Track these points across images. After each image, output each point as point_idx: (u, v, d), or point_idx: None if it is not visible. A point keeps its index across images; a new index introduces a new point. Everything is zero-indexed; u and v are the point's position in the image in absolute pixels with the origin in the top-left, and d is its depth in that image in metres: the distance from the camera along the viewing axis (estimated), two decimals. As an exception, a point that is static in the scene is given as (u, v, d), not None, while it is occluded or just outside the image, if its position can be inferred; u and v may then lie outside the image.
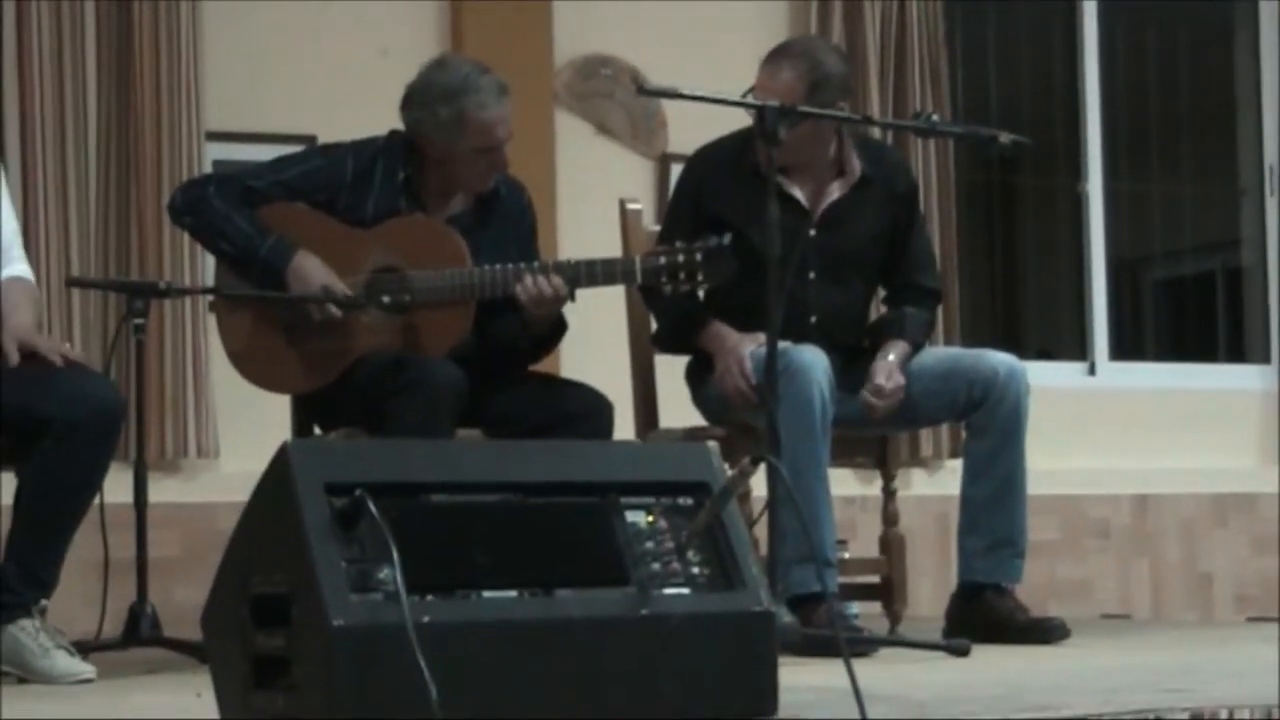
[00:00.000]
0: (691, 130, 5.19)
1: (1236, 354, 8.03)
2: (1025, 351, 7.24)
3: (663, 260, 4.42)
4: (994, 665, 4.14)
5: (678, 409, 5.02)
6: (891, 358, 4.76)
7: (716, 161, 4.86)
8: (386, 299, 4.53)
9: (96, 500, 4.11)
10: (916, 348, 4.85)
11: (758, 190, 4.22)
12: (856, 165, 4.87)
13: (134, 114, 5.89)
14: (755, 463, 3.05)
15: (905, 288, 4.98)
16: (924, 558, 6.41)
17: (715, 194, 4.80)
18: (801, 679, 3.36)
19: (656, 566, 2.94)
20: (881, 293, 5.15)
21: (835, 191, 4.86)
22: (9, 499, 4.08)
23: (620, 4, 6.62)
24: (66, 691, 3.88)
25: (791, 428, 4.35)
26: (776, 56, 4.76)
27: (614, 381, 4.82)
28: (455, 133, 4.58)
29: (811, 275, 4.82)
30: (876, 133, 5.98)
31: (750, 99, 4.38)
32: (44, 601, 4.09)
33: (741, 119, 4.58)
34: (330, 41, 6.25)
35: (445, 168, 4.65)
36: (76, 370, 4.10)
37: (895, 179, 4.98)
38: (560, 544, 2.92)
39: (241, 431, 5.74)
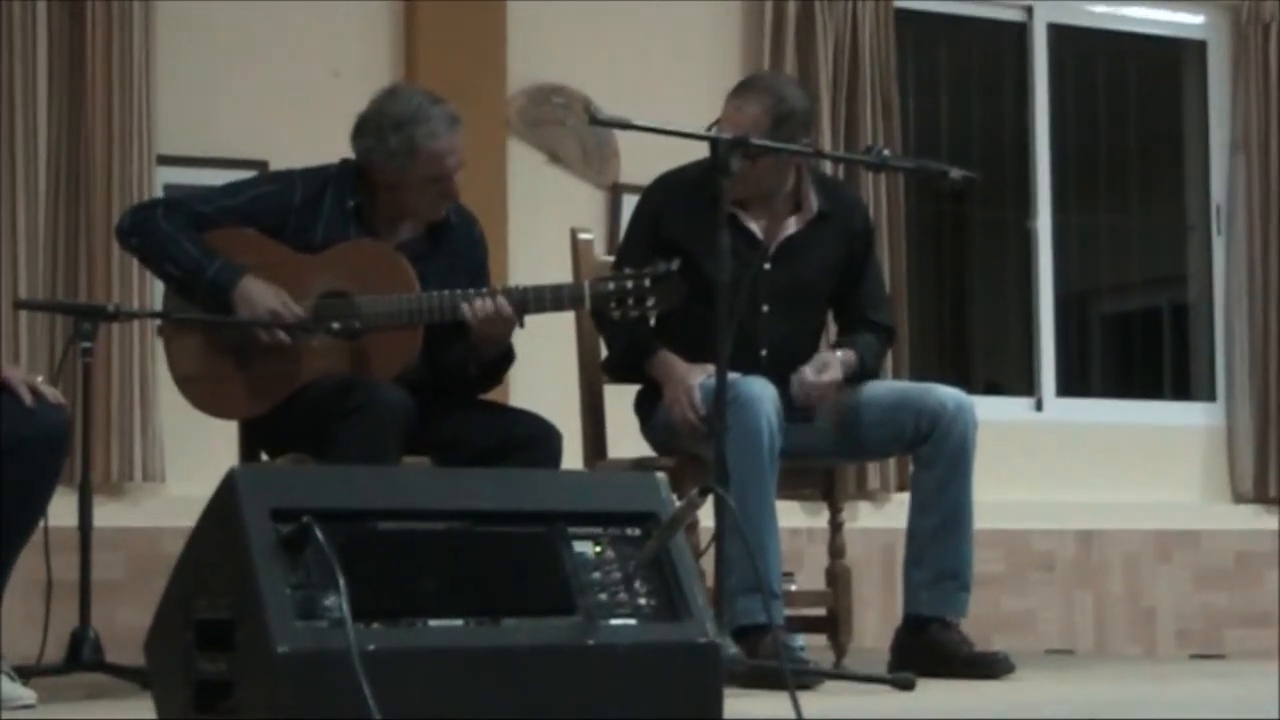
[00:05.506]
0: (643, 160, 5.20)
1: (1182, 390, 8.06)
2: (974, 385, 7.28)
3: (611, 286, 4.43)
4: (938, 698, 4.14)
5: (626, 439, 5.02)
6: (839, 354, 4.76)
7: (677, 188, 4.85)
8: (336, 324, 4.52)
9: (41, 522, 4.08)
10: (867, 371, 4.85)
11: (715, 220, 4.22)
12: (814, 201, 4.88)
13: (85, 136, 5.87)
14: (703, 493, 3.06)
15: (857, 324, 4.98)
16: (870, 590, 6.42)
17: (673, 221, 4.80)
18: (746, 710, 3.37)
19: (603, 596, 2.94)
20: (833, 328, 5.16)
21: (791, 226, 4.87)
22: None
23: (574, 34, 6.63)
24: (6, 717, 3.85)
25: (739, 459, 4.36)
26: (742, 90, 4.77)
27: (563, 411, 4.81)
28: (406, 161, 4.57)
29: (764, 309, 4.82)
30: (828, 166, 6.00)
31: (714, 131, 4.38)
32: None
33: (697, 150, 4.59)
34: (282, 66, 6.24)
35: (396, 196, 4.64)
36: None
37: (852, 216, 4.98)
38: (507, 573, 2.91)
39: (188, 456, 5.71)
